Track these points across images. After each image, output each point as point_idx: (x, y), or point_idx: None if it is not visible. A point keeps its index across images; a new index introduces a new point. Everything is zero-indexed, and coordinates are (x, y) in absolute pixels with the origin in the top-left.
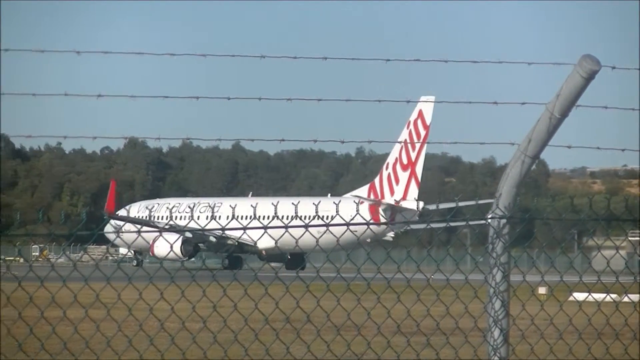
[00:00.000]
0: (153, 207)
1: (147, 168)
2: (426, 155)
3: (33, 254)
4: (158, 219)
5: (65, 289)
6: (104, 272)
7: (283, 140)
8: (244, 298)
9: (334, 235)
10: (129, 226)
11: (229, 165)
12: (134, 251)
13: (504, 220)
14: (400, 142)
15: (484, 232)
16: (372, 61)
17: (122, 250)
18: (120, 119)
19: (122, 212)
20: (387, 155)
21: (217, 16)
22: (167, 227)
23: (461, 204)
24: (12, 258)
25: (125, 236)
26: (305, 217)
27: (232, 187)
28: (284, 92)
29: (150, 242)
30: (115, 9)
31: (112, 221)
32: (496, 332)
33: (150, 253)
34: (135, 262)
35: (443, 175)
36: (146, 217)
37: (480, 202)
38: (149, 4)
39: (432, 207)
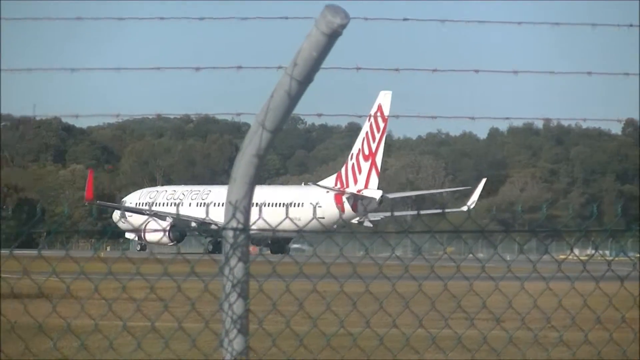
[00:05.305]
0: (153, 194)
1: None
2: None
3: None
4: (152, 205)
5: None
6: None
7: None
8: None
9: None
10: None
11: None
12: (137, 236)
13: None
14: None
15: None
16: None
17: (127, 235)
18: None
19: (130, 198)
20: None
21: None
22: (150, 213)
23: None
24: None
25: (128, 222)
26: (280, 205)
27: None
28: None
29: (142, 229)
30: None
31: (117, 210)
32: None
33: (142, 238)
34: (139, 247)
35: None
36: (145, 204)
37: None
38: None
39: (392, 195)
